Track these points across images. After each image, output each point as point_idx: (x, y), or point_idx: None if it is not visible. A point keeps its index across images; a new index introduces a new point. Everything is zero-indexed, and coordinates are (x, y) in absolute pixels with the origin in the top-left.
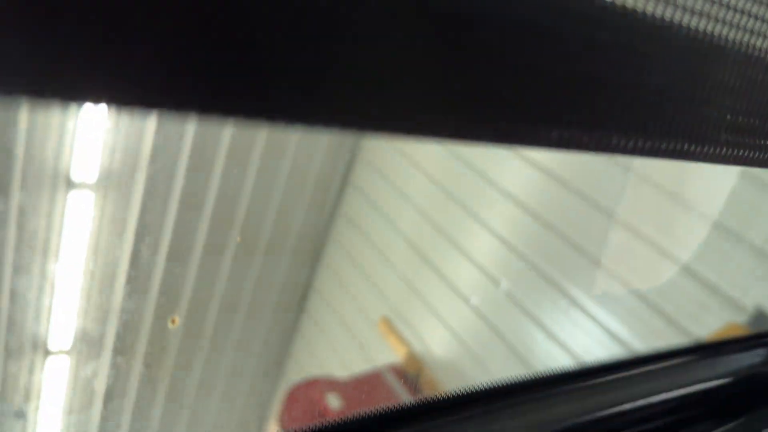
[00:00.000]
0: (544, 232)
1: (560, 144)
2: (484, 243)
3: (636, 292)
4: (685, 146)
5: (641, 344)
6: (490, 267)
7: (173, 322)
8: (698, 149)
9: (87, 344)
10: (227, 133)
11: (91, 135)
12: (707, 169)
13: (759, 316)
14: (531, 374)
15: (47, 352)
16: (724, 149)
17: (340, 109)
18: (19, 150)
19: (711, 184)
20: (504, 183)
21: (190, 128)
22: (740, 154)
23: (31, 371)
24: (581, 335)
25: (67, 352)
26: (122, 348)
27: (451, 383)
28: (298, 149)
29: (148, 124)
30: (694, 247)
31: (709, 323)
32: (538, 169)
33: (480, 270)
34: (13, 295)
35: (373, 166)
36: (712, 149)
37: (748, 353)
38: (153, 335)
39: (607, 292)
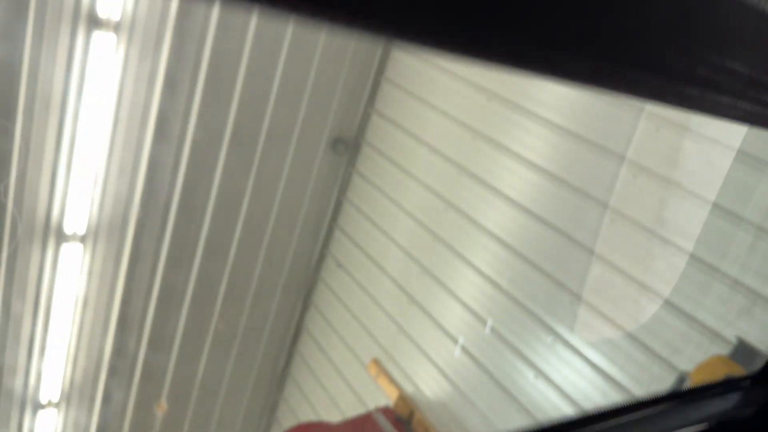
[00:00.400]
0: (527, 269)
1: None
2: (470, 282)
3: (619, 326)
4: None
5: (627, 379)
6: (476, 306)
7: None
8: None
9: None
10: (216, 177)
11: (81, 187)
12: (682, 203)
13: (741, 347)
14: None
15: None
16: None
17: None
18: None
19: (686, 219)
20: (487, 223)
21: (179, 179)
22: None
23: None
24: (569, 372)
25: (56, 405)
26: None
27: (443, 424)
28: (284, 192)
29: (138, 177)
30: (674, 280)
31: (693, 356)
32: (519, 207)
33: (467, 309)
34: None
35: (359, 209)
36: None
37: (723, 398)
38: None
39: (590, 327)
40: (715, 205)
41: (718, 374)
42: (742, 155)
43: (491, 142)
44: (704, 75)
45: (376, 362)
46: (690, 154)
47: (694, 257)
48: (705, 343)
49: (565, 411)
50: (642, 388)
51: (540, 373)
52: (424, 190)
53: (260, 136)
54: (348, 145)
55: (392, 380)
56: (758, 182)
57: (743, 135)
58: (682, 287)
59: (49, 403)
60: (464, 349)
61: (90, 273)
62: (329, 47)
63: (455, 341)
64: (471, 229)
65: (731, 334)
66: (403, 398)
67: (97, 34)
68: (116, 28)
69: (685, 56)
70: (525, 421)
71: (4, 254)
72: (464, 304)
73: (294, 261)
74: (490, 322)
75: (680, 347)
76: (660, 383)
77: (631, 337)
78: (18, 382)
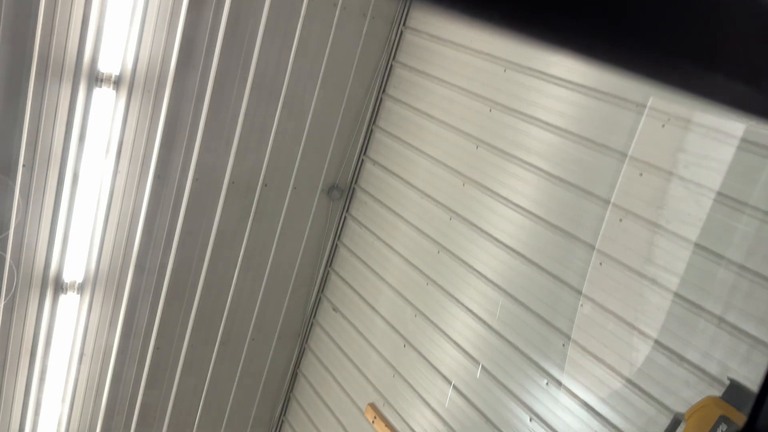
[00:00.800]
0: (520, 311)
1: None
2: (464, 324)
3: (612, 368)
4: None
5: (623, 421)
6: (471, 349)
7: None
8: None
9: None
10: (214, 225)
11: (79, 238)
12: (667, 244)
13: (733, 388)
14: None
15: None
16: None
17: None
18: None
19: (671, 259)
20: (479, 265)
21: (178, 226)
22: None
23: None
24: (564, 414)
25: None
26: None
27: None
28: (281, 238)
29: (137, 227)
30: (662, 320)
31: (687, 397)
32: (510, 251)
33: (461, 351)
34: None
35: (354, 253)
36: None
37: None
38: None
39: (583, 369)
40: (698, 246)
41: (712, 416)
42: (723, 197)
43: (481, 187)
44: None
45: (373, 407)
46: (673, 197)
47: (680, 296)
48: (698, 383)
49: None
50: (638, 431)
51: (536, 415)
52: (418, 234)
53: (257, 184)
54: (342, 191)
55: (389, 424)
56: (739, 222)
57: (722, 178)
58: (671, 327)
59: None
60: (459, 392)
61: (87, 323)
62: (325, 97)
63: (450, 384)
64: (463, 272)
65: (722, 373)
66: None
67: (98, 91)
68: (117, 83)
69: None
70: None
71: (1, 305)
72: (458, 347)
73: (290, 305)
74: (480, 367)
75: (673, 388)
76: (655, 425)
77: (624, 378)
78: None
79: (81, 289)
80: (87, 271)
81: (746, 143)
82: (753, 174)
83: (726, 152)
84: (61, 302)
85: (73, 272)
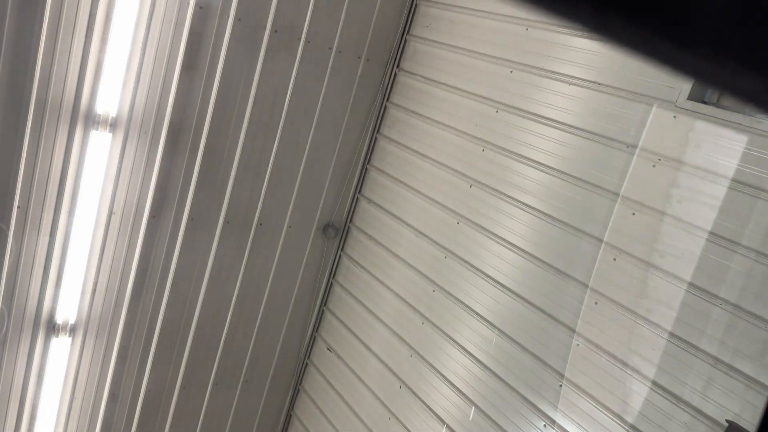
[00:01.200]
0: (515, 351)
1: None
2: (460, 364)
3: (609, 408)
4: None
5: None
6: (466, 389)
7: None
8: None
9: None
10: (208, 264)
11: (73, 281)
12: (661, 283)
13: (732, 430)
14: None
15: None
16: None
17: None
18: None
19: (665, 298)
20: (474, 304)
21: (172, 265)
22: None
23: None
24: None
25: None
26: None
27: None
28: (275, 277)
29: (131, 269)
30: (659, 361)
31: None
32: (505, 289)
33: (457, 392)
34: None
35: (349, 292)
36: None
37: None
38: None
39: (580, 410)
40: (691, 285)
41: None
42: (714, 236)
43: (475, 225)
44: None
45: None
46: (666, 236)
47: (675, 336)
48: (696, 424)
49: None
50: None
51: None
52: (413, 273)
53: (252, 224)
54: (338, 230)
55: None
56: (729, 261)
57: (714, 217)
58: (667, 367)
59: None
60: None
61: (78, 366)
62: (320, 137)
63: (444, 424)
64: (458, 311)
65: (719, 414)
66: None
67: (95, 133)
68: (113, 125)
69: None
70: None
71: None
72: (454, 387)
73: (284, 345)
74: (474, 409)
75: (672, 430)
76: None
77: (621, 419)
78: None
79: (73, 331)
80: (79, 313)
81: (736, 183)
82: (743, 213)
83: (717, 191)
84: (53, 345)
85: (66, 314)
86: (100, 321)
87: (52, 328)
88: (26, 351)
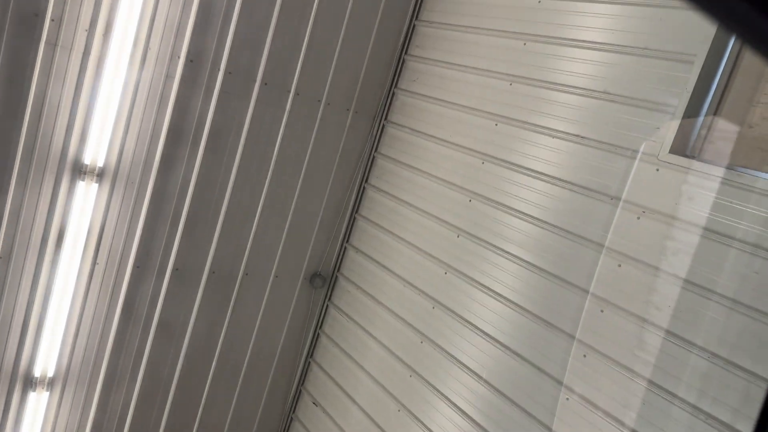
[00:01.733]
0: (501, 403)
1: None
2: (448, 419)
3: None
4: None
5: None
6: None
7: None
8: None
9: None
10: (192, 315)
11: (54, 332)
12: (647, 334)
13: None
14: None
15: None
16: None
17: None
18: None
19: (650, 350)
20: (462, 356)
21: (155, 316)
22: None
23: None
24: None
25: None
26: None
27: None
28: (261, 328)
29: (113, 321)
30: (645, 413)
31: None
32: (493, 340)
33: None
34: None
35: (336, 343)
36: None
37: None
38: None
39: None
40: (669, 332)
41: None
42: (691, 285)
43: (463, 276)
44: None
45: None
46: (650, 288)
47: (654, 384)
48: None
49: None
50: None
51: None
52: (401, 324)
53: (238, 273)
54: (325, 280)
55: None
56: (707, 310)
57: (697, 268)
58: (651, 418)
59: None
60: None
61: (55, 421)
62: (308, 187)
63: None
64: (447, 363)
65: None
66: None
67: (81, 184)
68: (100, 176)
69: None
70: None
71: None
72: None
73: (269, 399)
74: None
75: None
76: None
77: None
78: None
79: (51, 385)
80: (59, 366)
81: (712, 233)
82: (722, 264)
83: (701, 244)
84: (30, 400)
85: (44, 367)
86: (80, 373)
87: (30, 383)
88: (1, 407)
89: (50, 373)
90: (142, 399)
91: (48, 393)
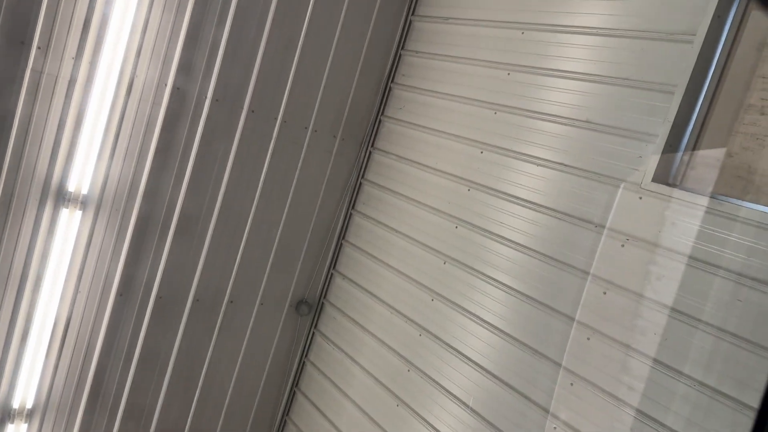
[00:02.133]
0: (488, 431)
1: None
2: None
3: None
4: None
5: None
6: None
7: None
8: None
9: None
10: (176, 343)
11: (33, 362)
12: (633, 362)
13: None
14: None
15: None
16: None
17: None
18: None
19: (637, 379)
20: (448, 384)
21: (138, 346)
22: None
23: None
24: None
25: None
26: None
27: None
28: (245, 356)
29: (94, 352)
30: None
31: None
32: (480, 368)
33: None
34: None
35: (322, 372)
36: None
37: None
38: None
39: None
40: (656, 361)
41: None
42: (676, 313)
43: (449, 302)
44: None
45: None
46: (635, 314)
47: (642, 414)
48: None
49: None
50: None
51: None
52: (387, 352)
53: (223, 301)
54: (311, 307)
55: None
56: (693, 338)
57: (684, 296)
58: None
59: None
60: None
61: None
62: (295, 214)
63: None
64: (433, 391)
65: None
66: None
67: (64, 211)
68: (84, 202)
69: None
70: None
71: None
72: None
73: (253, 430)
74: None
75: None
76: None
77: None
78: None
79: (30, 416)
80: (38, 397)
81: (696, 260)
82: (707, 291)
83: (686, 272)
84: (8, 430)
85: (23, 398)
86: (60, 405)
87: (8, 414)
88: None
89: (29, 405)
90: (123, 430)
91: (26, 425)
